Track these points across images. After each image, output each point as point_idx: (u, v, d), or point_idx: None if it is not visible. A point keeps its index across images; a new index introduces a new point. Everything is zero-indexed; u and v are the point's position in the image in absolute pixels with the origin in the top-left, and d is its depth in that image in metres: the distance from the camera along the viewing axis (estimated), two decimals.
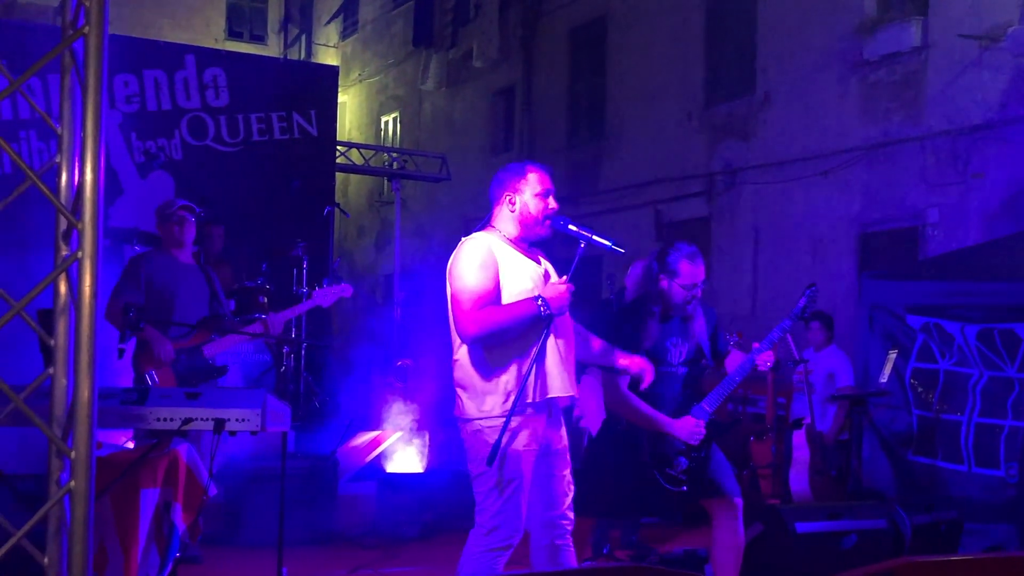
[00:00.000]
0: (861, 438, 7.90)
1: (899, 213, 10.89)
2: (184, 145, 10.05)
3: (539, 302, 3.90)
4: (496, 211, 4.16)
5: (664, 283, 4.88)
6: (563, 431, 4.19)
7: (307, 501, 6.63)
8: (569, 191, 15.79)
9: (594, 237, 4.04)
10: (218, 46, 21.10)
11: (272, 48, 24.88)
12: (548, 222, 4.10)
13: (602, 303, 7.08)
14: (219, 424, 4.29)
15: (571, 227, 4.09)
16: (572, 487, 4.16)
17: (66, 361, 2.83)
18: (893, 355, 7.78)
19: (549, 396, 4.01)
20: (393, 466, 7.87)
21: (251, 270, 8.57)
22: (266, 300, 7.79)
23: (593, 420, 6.77)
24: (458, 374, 4.06)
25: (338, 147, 12.23)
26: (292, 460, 6.72)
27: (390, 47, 21.43)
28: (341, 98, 16.43)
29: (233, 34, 24.78)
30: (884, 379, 7.77)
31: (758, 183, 12.51)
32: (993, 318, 7.49)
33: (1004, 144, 10.05)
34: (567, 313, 4.08)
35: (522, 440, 3.96)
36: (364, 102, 22.49)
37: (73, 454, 2.74)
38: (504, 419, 3.87)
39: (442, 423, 8.38)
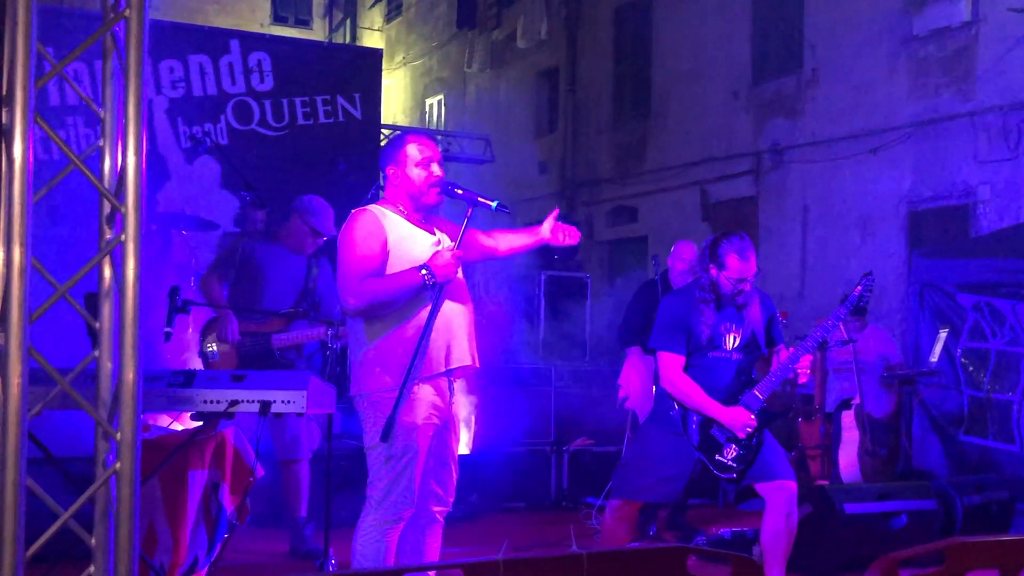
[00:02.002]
0: (911, 418, 7.83)
1: (949, 190, 10.74)
2: (230, 130, 10.11)
3: (423, 271, 3.86)
4: (386, 185, 4.13)
5: (713, 272, 4.87)
6: (460, 401, 4.17)
7: (354, 482, 6.66)
8: (614, 171, 15.74)
9: (479, 198, 4.00)
10: (263, 31, 21.20)
11: (317, 32, 24.97)
12: (435, 190, 4.05)
13: (646, 284, 7.04)
14: (265, 406, 4.32)
15: (457, 191, 4.06)
16: (457, 465, 4.13)
17: (111, 344, 2.86)
18: (944, 334, 7.68)
19: (447, 367, 3.98)
20: None
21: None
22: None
23: (638, 401, 6.76)
24: (351, 347, 4.04)
25: (383, 130, 12.23)
26: (338, 441, 6.75)
27: (434, 29, 21.43)
28: (386, 81, 16.47)
29: (278, 19, 24.88)
30: (935, 358, 7.68)
31: (806, 161, 12.38)
32: None
33: None
34: (463, 282, 4.07)
35: (419, 412, 3.90)
36: (409, 85, 22.52)
37: (119, 436, 2.77)
38: (397, 391, 3.82)
39: (487, 402, 8.41)
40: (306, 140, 10.43)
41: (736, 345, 4.90)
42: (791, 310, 10.11)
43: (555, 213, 4.31)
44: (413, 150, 4.07)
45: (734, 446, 4.81)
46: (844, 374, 8.04)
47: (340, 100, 10.67)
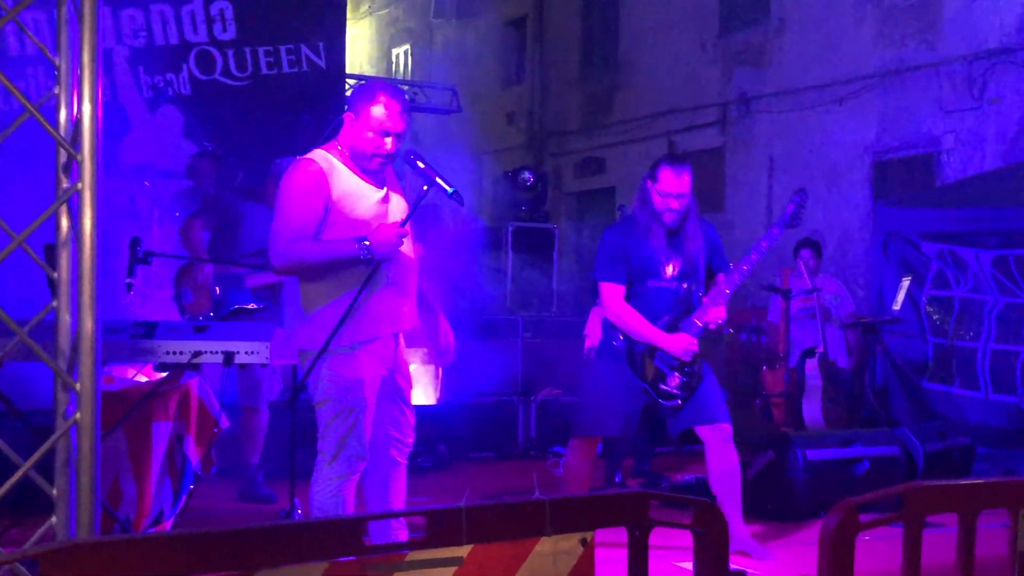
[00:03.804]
0: (875, 366, 7.90)
1: (915, 140, 10.78)
2: (192, 80, 9.97)
3: (362, 244, 3.74)
4: (342, 128, 3.93)
5: (648, 186, 4.93)
6: (405, 355, 4.11)
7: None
8: (582, 122, 15.70)
9: (438, 179, 3.83)
10: None
11: None
12: (378, 160, 3.88)
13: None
14: (228, 357, 4.32)
15: (419, 163, 3.88)
16: (413, 413, 4.13)
17: (69, 294, 2.83)
18: (907, 282, 7.74)
19: (393, 330, 3.95)
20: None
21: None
22: None
23: None
24: (295, 300, 3.98)
25: (348, 80, 12.11)
26: (303, 392, 6.74)
27: None
28: (351, 31, 16.27)
29: None
30: (898, 306, 7.74)
31: (773, 111, 12.39)
32: (1008, 244, 7.44)
33: (1021, 69, 9.90)
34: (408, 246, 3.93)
35: (364, 368, 3.85)
36: (374, 34, 22.29)
37: (78, 387, 2.74)
38: (344, 349, 3.79)
39: (458, 358, 8.41)
40: (270, 90, 10.31)
41: (674, 274, 4.95)
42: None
43: None
44: (378, 111, 3.83)
45: (677, 374, 4.89)
46: (807, 322, 8.11)
47: (304, 49, 10.54)
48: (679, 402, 4.90)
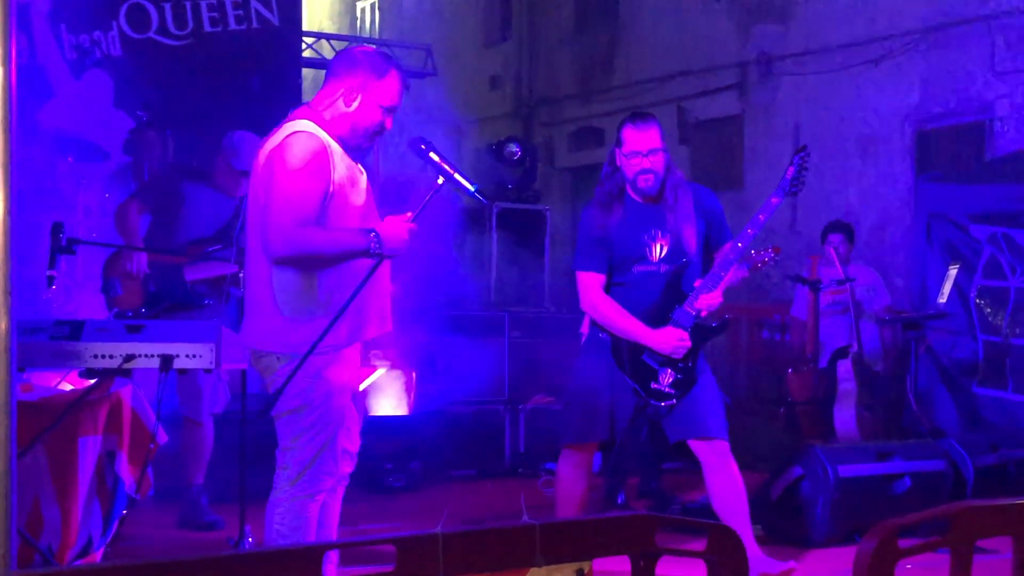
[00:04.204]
0: (917, 368, 7.91)
1: (963, 106, 10.79)
2: (123, 39, 9.91)
3: (371, 237, 3.83)
4: (329, 98, 4.00)
5: (617, 158, 4.97)
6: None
7: (274, 450, 6.65)
8: (578, 87, 15.69)
9: (456, 176, 3.93)
10: None
11: None
12: (372, 141, 4.03)
13: None
14: (167, 361, 4.31)
15: (433, 155, 3.96)
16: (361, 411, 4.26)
17: None
18: (954, 271, 7.76)
19: (381, 332, 4.07)
20: (375, 408, 7.91)
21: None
22: None
23: None
24: (260, 295, 3.94)
25: (305, 38, 12.07)
26: (255, 402, 6.72)
27: None
28: None
29: None
30: (943, 299, 7.76)
31: (798, 74, 12.39)
32: None
33: None
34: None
35: (346, 373, 3.97)
36: None
37: None
38: (328, 351, 3.85)
39: (429, 358, 8.42)
40: (213, 51, 10.25)
41: (664, 255, 4.95)
42: (781, 245, 10.14)
43: None
44: (390, 89, 3.98)
45: (670, 371, 4.90)
46: (838, 318, 8.11)
47: (254, 3, 10.50)
48: (674, 401, 4.91)
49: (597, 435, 5.08)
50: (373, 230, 3.84)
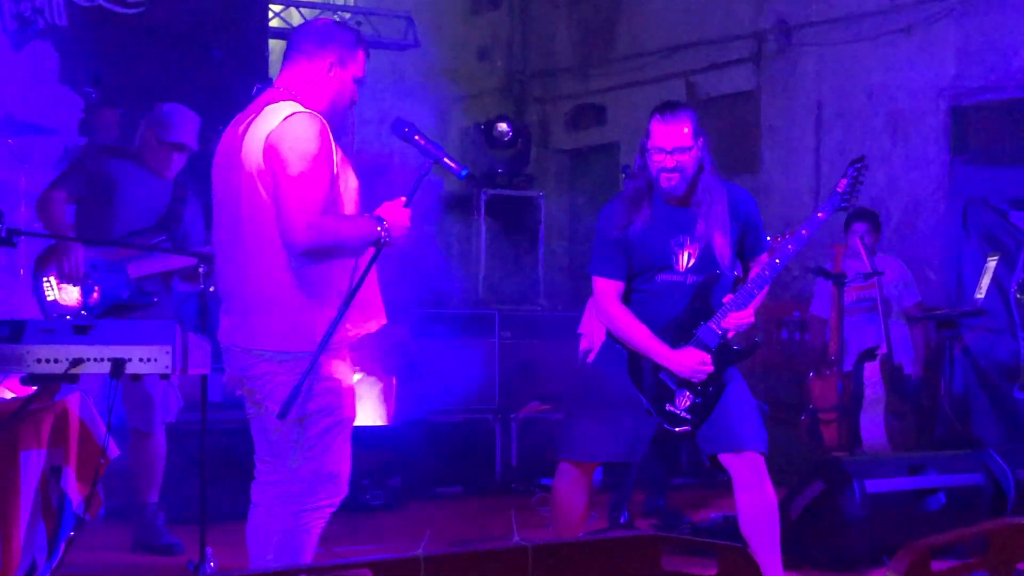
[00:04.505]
0: (952, 371, 7.92)
1: (1003, 79, 10.80)
2: (69, 6, 9.86)
3: (382, 224, 4.00)
4: (303, 76, 4.14)
5: (645, 148, 4.91)
6: None
7: (238, 465, 6.64)
8: (576, 59, 15.67)
9: (445, 159, 4.10)
10: None
11: None
12: (345, 115, 4.26)
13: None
14: (118, 366, 4.30)
15: (417, 138, 4.11)
16: None
17: None
18: (993, 263, 7.77)
19: (373, 328, 4.19)
20: None
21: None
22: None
23: None
24: (271, 293, 4.02)
25: (272, 6, 12.07)
26: (217, 412, 6.72)
27: None
28: None
29: None
30: (981, 294, 7.77)
31: (820, 44, 12.39)
32: None
33: None
34: None
35: (348, 377, 4.14)
36: None
37: None
38: (335, 348, 4.01)
39: (410, 361, 8.41)
40: (171, 19, 10.22)
41: (691, 264, 4.89)
42: None
43: None
44: (361, 57, 4.19)
45: (688, 393, 4.84)
46: (864, 316, 8.12)
47: None
48: (689, 428, 4.85)
49: (602, 454, 5.06)
50: (381, 217, 3.99)
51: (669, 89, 14.03)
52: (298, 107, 4.00)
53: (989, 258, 7.89)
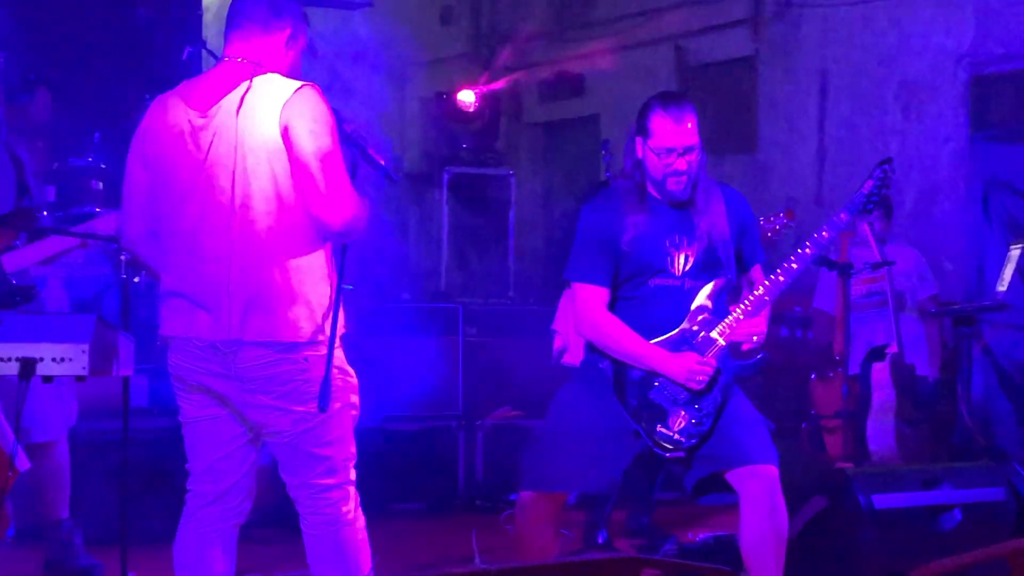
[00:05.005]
0: (971, 372, 7.95)
1: None
2: None
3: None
4: (267, 47, 4.28)
5: (639, 145, 4.88)
6: None
7: (166, 479, 6.62)
8: (551, 22, 15.67)
9: (370, 150, 4.27)
10: None
11: None
12: None
13: (598, 187, 7.04)
14: (27, 366, 4.27)
15: (346, 127, 4.23)
16: None
17: None
18: (1016, 251, 7.78)
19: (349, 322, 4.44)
20: None
21: (79, 143, 8.47)
22: (101, 185, 7.72)
23: (579, 355, 6.80)
24: (294, 281, 4.15)
25: None
26: (141, 419, 6.69)
27: None
28: None
29: None
30: (1003, 287, 7.78)
31: (826, 5, 12.43)
32: None
33: None
34: None
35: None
36: None
37: None
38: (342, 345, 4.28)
39: (363, 361, 8.38)
40: None
41: (688, 268, 4.88)
42: (804, 218, 10.14)
43: None
44: (305, 34, 4.41)
45: (683, 412, 4.81)
46: (875, 311, 8.13)
47: None
48: (683, 454, 4.83)
49: (577, 485, 5.06)
50: None
51: (655, 56, 14.07)
52: (295, 81, 4.15)
53: (1012, 247, 7.89)
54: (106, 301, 6.76)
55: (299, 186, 4.05)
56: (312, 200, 4.05)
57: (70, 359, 4.33)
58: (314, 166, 4.03)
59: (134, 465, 4.91)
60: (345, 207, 4.07)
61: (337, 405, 4.25)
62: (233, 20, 4.27)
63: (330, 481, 4.34)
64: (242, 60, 4.20)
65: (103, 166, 8.00)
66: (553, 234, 10.60)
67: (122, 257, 5.52)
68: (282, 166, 4.05)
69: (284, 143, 4.04)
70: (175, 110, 4.17)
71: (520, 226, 10.64)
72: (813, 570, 5.84)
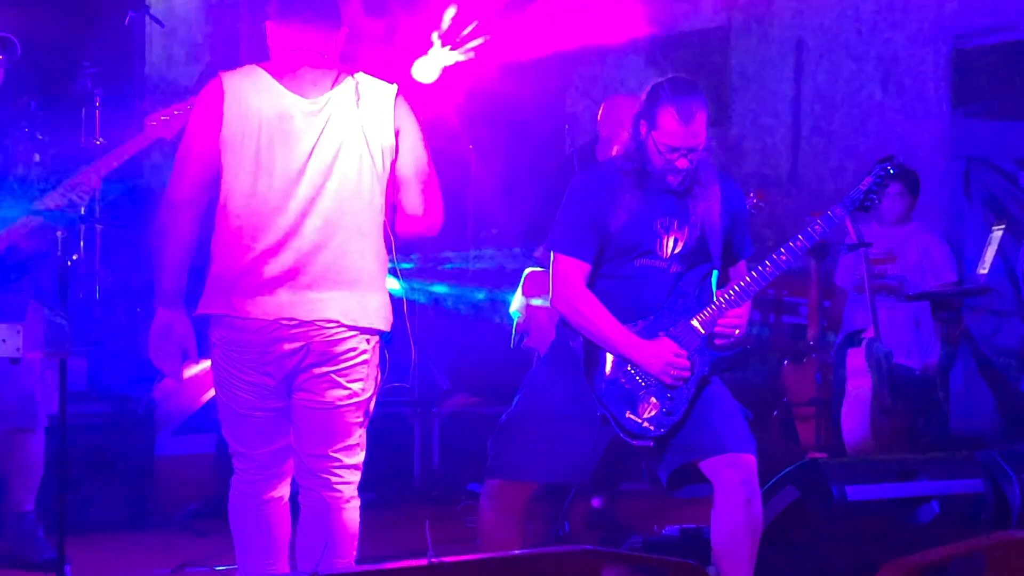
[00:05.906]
0: (950, 359, 7.98)
1: (1015, 17, 10.87)
2: None
3: None
4: (339, 43, 4.65)
5: (643, 131, 4.88)
6: None
7: (107, 466, 6.60)
8: None
9: None
10: None
11: None
12: None
13: (561, 163, 7.04)
14: None
15: None
16: None
17: None
18: (998, 232, 7.82)
19: None
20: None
21: (11, 112, 8.41)
22: (37, 157, 7.67)
23: (544, 337, 6.79)
24: (374, 270, 4.59)
25: None
26: (81, 404, 6.65)
27: None
28: None
29: None
30: (984, 269, 7.82)
31: None
32: None
33: None
34: None
35: None
36: None
37: None
38: None
39: None
40: None
41: (676, 251, 4.91)
42: (777, 200, 10.22)
43: None
44: None
45: (654, 400, 4.83)
46: (879, 296, 8.13)
47: None
48: (651, 443, 4.85)
49: (545, 475, 5.08)
50: None
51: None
52: (385, 82, 4.63)
53: (995, 228, 7.93)
54: (39, 277, 6.71)
55: (398, 186, 4.57)
56: (412, 204, 4.61)
57: (3, 340, 4.31)
58: (422, 174, 4.61)
59: (73, 452, 4.87)
60: (440, 213, 4.66)
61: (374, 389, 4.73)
62: (302, 12, 4.55)
63: (351, 460, 4.83)
64: (325, 55, 4.53)
65: (40, 136, 7.95)
66: (514, 211, 10.50)
67: (58, 234, 5.49)
68: (380, 162, 4.48)
69: (396, 142, 4.52)
70: (269, 92, 4.44)
71: (478, 203, 10.61)
72: (784, 564, 5.85)
